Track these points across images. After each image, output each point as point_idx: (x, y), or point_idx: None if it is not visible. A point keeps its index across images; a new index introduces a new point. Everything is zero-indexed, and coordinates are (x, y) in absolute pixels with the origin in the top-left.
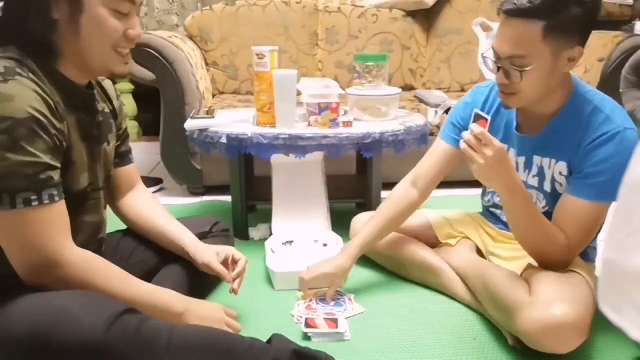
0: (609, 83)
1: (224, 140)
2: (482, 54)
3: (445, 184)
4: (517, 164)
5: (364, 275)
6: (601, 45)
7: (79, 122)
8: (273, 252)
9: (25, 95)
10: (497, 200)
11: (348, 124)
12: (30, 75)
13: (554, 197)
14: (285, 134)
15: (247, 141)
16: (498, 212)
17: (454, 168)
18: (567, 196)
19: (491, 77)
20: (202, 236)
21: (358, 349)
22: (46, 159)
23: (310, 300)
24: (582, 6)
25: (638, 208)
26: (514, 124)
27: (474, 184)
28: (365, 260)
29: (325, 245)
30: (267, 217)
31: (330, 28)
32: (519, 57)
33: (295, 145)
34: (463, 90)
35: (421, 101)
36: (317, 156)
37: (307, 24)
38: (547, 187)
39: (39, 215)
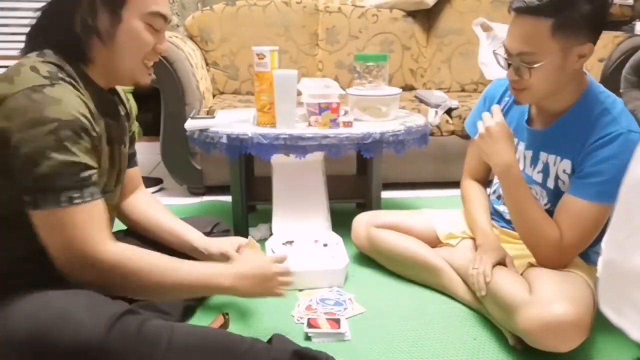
0: (609, 83)
1: (224, 140)
2: (494, 51)
3: (445, 184)
4: (524, 157)
5: (364, 275)
6: (601, 45)
7: (106, 126)
8: (273, 252)
9: (71, 98)
10: (501, 191)
11: (348, 124)
12: (70, 79)
13: (556, 195)
14: (285, 134)
15: (247, 141)
16: (501, 208)
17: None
18: (567, 195)
19: (491, 77)
20: None
21: (358, 349)
22: (86, 159)
23: (311, 301)
24: (591, 3)
25: (638, 208)
26: (526, 117)
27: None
28: (366, 260)
29: (325, 245)
30: (267, 217)
31: (330, 28)
32: (528, 54)
33: (295, 145)
34: (463, 90)
35: (421, 101)
36: (317, 156)
37: (307, 24)
38: (551, 184)
39: (81, 213)
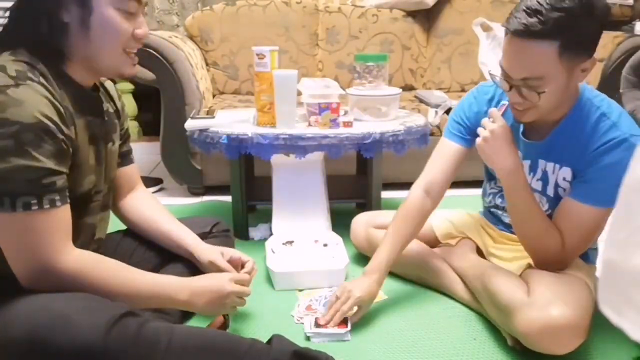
0: (609, 83)
1: (224, 140)
2: (490, 72)
3: None
4: (527, 165)
5: None
6: (601, 45)
7: (87, 124)
8: (273, 252)
9: (35, 100)
10: (498, 201)
11: (348, 124)
12: (41, 79)
13: (556, 202)
14: (285, 134)
15: (247, 141)
16: (499, 212)
17: (462, 167)
18: (568, 199)
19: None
20: (203, 236)
21: (358, 349)
22: (50, 164)
23: (310, 301)
24: (593, 19)
25: (638, 208)
26: (521, 128)
27: (474, 184)
28: (366, 260)
29: (325, 245)
30: (267, 217)
31: (330, 28)
32: (534, 79)
33: (295, 145)
34: (463, 90)
35: (421, 101)
36: (317, 156)
37: (307, 24)
38: (550, 191)
39: (38, 220)
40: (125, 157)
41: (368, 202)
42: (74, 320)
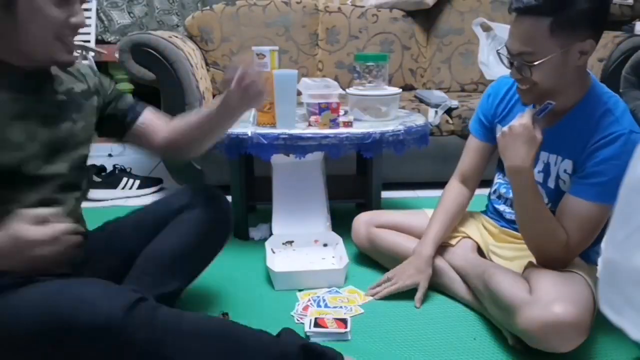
0: (609, 83)
1: (224, 140)
2: (498, 50)
3: (445, 184)
4: None
5: (364, 275)
6: (601, 45)
7: (16, 104)
8: (273, 252)
9: None
10: (502, 190)
11: (348, 124)
12: None
13: (557, 195)
14: (285, 134)
15: (247, 141)
16: (501, 208)
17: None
18: (569, 196)
19: (491, 77)
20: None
21: (358, 348)
22: None
23: (309, 301)
24: (589, 0)
25: (638, 208)
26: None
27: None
28: (366, 260)
29: (325, 245)
30: (267, 217)
31: (330, 28)
32: (528, 54)
33: (295, 145)
34: (463, 90)
35: (421, 101)
36: (317, 156)
37: (307, 24)
38: (551, 183)
39: None
40: (131, 110)
41: (368, 202)
42: (92, 303)
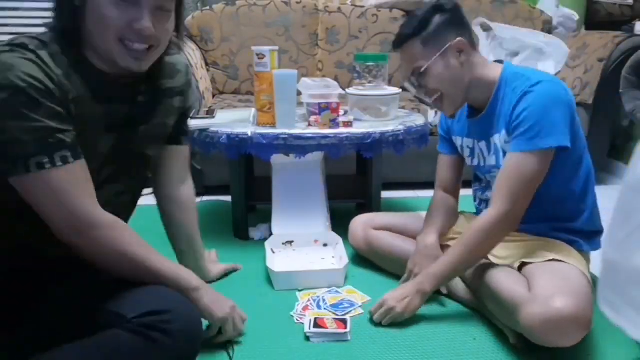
0: (609, 83)
1: (224, 140)
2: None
3: None
4: (480, 150)
5: (363, 275)
6: (601, 45)
7: (105, 112)
8: (273, 252)
9: (23, 64)
10: (484, 196)
11: (348, 124)
12: (42, 53)
13: None
14: (285, 134)
15: (247, 141)
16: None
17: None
18: (505, 158)
19: None
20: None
21: (358, 349)
22: (52, 123)
23: (309, 301)
24: (442, 12)
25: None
26: (467, 113)
27: (469, 184)
28: (365, 260)
29: (325, 245)
30: (267, 217)
31: (330, 28)
32: (415, 69)
33: (295, 145)
34: None
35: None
36: (317, 156)
37: (307, 24)
38: (502, 160)
39: (56, 178)
40: (182, 133)
41: (368, 202)
42: None
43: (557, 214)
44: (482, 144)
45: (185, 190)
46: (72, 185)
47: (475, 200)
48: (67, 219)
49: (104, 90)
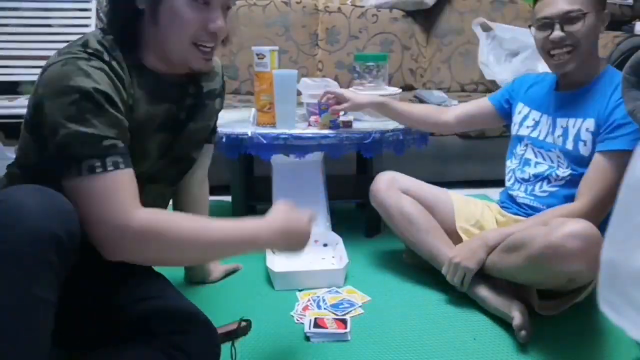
0: None
1: (224, 140)
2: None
3: (445, 184)
4: (548, 124)
5: (364, 275)
6: (601, 45)
7: (159, 114)
8: (273, 252)
9: (99, 76)
10: (517, 174)
11: (348, 124)
12: (113, 63)
13: (575, 158)
14: (285, 134)
15: (247, 141)
16: (515, 193)
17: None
18: (601, 153)
19: (491, 77)
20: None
21: (358, 349)
22: (109, 132)
23: (309, 301)
24: None
25: (637, 207)
26: (554, 86)
27: (474, 184)
28: (365, 260)
29: (325, 245)
30: None
31: (330, 28)
32: (575, 11)
33: (295, 145)
34: (463, 90)
35: (421, 101)
36: (317, 156)
37: (307, 24)
38: (569, 145)
39: (104, 182)
40: (210, 134)
41: (368, 202)
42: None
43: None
44: (549, 120)
45: (204, 189)
46: (117, 191)
47: (507, 180)
48: (106, 228)
49: (157, 91)
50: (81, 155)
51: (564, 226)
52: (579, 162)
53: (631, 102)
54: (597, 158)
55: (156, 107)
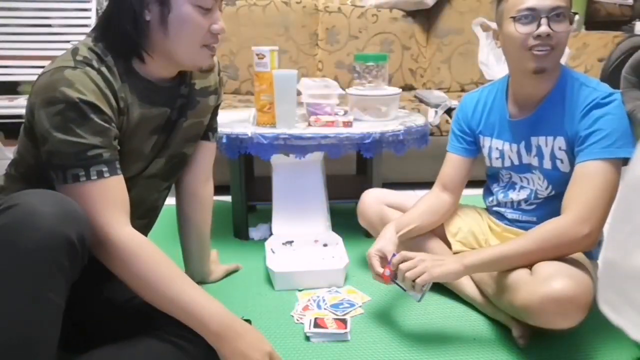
0: (609, 83)
1: (224, 140)
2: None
3: None
4: (518, 151)
5: (364, 275)
6: (601, 45)
7: (152, 116)
8: (273, 252)
9: (84, 83)
10: (500, 197)
11: (348, 124)
12: (102, 68)
13: (554, 176)
14: (285, 134)
15: (247, 141)
16: (502, 210)
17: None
18: (577, 166)
19: (491, 77)
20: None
21: (358, 349)
22: (94, 140)
23: (309, 301)
24: None
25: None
26: (507, 114)
27: (474, 184)
28: (364, 260)
29: (325, 245)
30: (267, 217)
31: (330, 28)
32: (562, 8)
33: (295, 145)
34: (463, 90)
35: (421, 101)
36: (317, 156)
37: (307, 24)
38: (547, 164)
39: (88, 191)
40: (210, 130)
41: None
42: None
43: None
44: (521, 145)
45: (208, 188)
46: (101, 200)
47: (489, 202)
48: (94, 233)
49: (150, 96)
50: (66, 164)
51: (546, 284)
52: (559, 179)
53: (631, 102)
54: (577, 171)
55: (149, 110)
